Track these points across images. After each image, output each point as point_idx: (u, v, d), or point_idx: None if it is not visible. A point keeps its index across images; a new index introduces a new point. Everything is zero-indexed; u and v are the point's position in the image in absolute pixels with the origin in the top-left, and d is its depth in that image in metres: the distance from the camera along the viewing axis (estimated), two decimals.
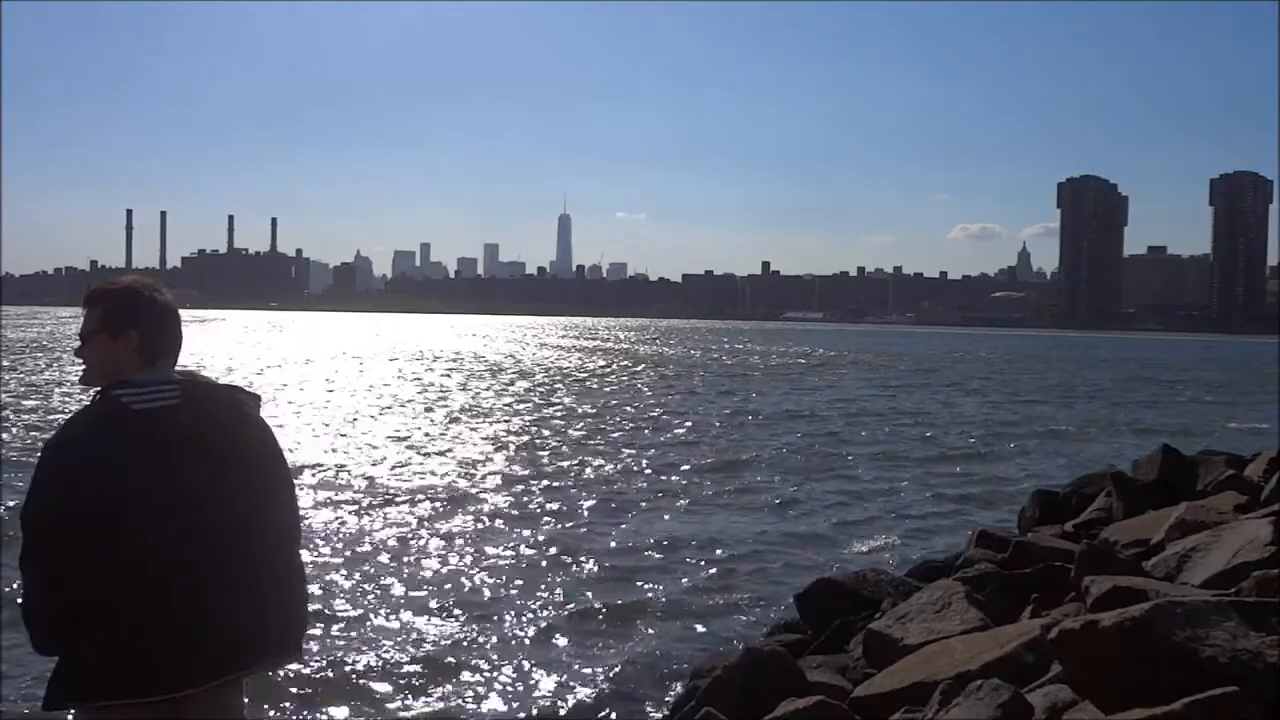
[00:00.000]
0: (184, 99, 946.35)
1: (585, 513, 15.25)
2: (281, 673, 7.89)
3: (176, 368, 3.28)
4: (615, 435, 25.30)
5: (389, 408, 31.37)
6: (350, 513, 14.65)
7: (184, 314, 3.35)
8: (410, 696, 7.96)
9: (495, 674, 8.46)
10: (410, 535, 13.33)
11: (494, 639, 9.27)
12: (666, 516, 15.17)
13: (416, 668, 8.52)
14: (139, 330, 3.17)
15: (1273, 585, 4.99)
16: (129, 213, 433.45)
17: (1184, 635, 3.80)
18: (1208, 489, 9.44)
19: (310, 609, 3.51)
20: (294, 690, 7.87)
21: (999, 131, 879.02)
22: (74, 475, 3.02)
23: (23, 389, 34.13)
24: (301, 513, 3.49)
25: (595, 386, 43.20)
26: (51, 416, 24.94)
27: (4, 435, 21.66)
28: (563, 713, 7.79)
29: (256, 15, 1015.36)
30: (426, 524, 14.08)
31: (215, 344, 77.77)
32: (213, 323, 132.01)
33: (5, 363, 47.53)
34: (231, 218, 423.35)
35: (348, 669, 8.40)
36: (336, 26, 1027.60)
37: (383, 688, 8.08)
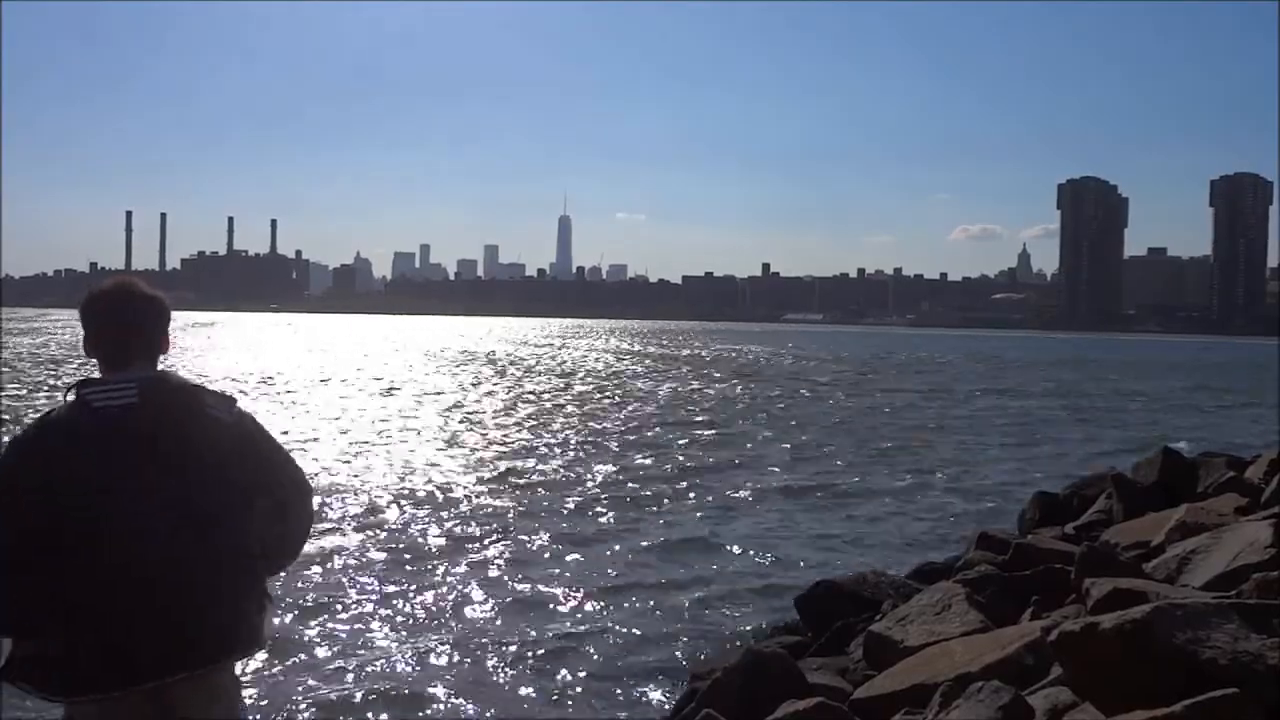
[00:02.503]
0: (184, 99, 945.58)
1: (581, 515, 15.24)
2: (284, 673, 7.90)
3: (161, 368, 3.30)
4: (607, 439, 25.31)
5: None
6: (342, 520, 14.65)
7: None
8: (408, 696, 7.95)
9: (494, 674, 8.46)
10: (409, 534, 13.33)
11: (492, 640, 9.27)
12: (664, 520, 15.17)
13: (415, 666, 8.52)
14: (91, 331, 3.26)
15: (1273, 587, 4.99)
16: (128, 214, 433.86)
17: (1184, 637, 3.80)
18: (1208, 491, 9.45)
19: (266, 606, 3.39)
20: (291, 689, 7.88)
21: (999, 131, 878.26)
22: (43, 454, 3.05)
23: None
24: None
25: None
26: None
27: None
28: (563, 713, 7.79)
29: (256, 15, 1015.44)
30: (424, 524, 14.08)
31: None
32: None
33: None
34: (231, 219, 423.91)
35: (344, 668, 8.41)
36: (336, 26, 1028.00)
37: (380, 686, 8.07)
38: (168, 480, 3.11)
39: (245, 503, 3.25)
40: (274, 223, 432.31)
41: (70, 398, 3.16)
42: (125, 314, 3.26)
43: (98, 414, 3.10)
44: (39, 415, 3.22)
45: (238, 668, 3.30)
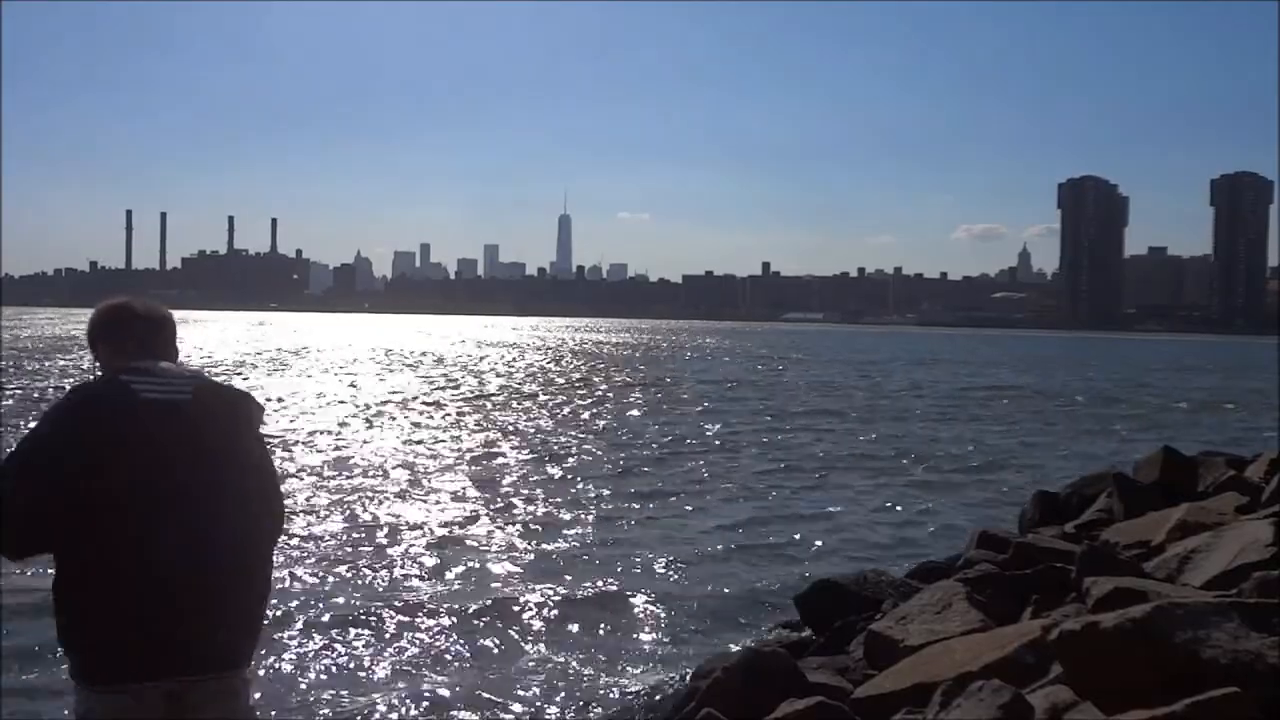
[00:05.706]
0: (184, 99, 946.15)
1: (581, 515, 15.23)
2: (287, 672, 7.90)
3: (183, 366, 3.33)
4: (605, 437, 25.31)
5: None
6: (341, 514, 14.65)
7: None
8: (407, 696, 7.95)
9: (492, 674, 8.45)
10: (410, 533, 13.33)
11: (491, 639, 9.27)
12: (666, 519, 15.16)
13: (414, 667, 8.52)
14: (118, 335, 3.26)
15: (1274, 587, 4.99)
16: (128, 214, 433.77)
17: (1185, 637, 3.80)
18: (1208, 490, 9.44)
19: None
20: (293, 688, 7.88)
21: (999, 131, 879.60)
22: (84, 425, 3.02)
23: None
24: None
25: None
26: None
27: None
28: (561, 713, 7.78)
29: (257, 15, 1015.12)
30: (422, 523, 14.08)
31: None
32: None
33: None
34: (231, 218, 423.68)
35: (342, 668, 8.41)
36: (336, 27, 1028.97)
37: (381, 687, 8.07)
38: (197, 483, 3.11)
39: (263, 514, 3.32)
40: (274, 222, 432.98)
41: (105, 378, 3.16)
42: (154, 320, 3.32)
43: (145, 404, 3.08)
44: (73, 389, 3.18)
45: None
